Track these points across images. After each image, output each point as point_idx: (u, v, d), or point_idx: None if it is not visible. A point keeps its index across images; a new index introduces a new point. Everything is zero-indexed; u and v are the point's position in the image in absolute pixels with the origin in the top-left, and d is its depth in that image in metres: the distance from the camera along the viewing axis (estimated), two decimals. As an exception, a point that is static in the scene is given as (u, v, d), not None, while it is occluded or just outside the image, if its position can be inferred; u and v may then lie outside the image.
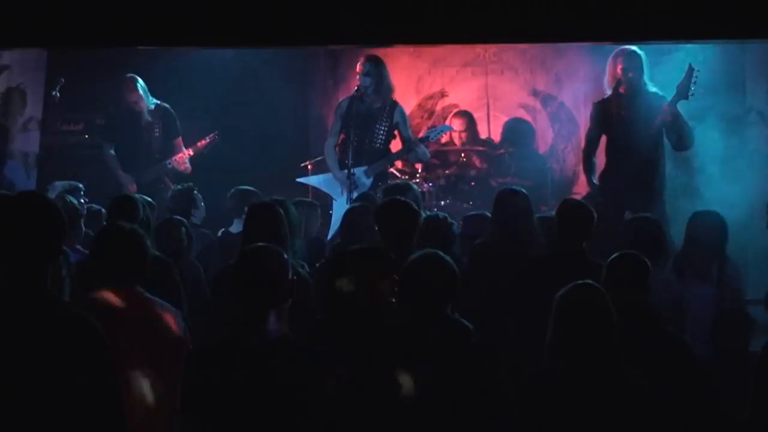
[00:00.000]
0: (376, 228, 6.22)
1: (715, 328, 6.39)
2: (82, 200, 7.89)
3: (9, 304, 3.21)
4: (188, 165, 9.61)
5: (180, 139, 9.72)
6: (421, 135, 9.78)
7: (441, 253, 4.87)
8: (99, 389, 3.19)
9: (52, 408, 3.15)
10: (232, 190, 8.30)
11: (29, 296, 3.23)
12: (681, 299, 6.41)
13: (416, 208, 6.35)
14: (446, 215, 6.77)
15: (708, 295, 6.71)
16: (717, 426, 5.23)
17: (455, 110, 10.89)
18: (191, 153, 9.62)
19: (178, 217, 7.22)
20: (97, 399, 3.18)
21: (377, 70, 9.29)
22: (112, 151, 9.73)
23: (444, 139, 10.84)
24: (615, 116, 8.44)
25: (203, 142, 9.66)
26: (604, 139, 8.76)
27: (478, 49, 10.86)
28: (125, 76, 9.66)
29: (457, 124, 10.71)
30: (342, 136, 9.39)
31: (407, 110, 10.52)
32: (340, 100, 9.72)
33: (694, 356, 5.22)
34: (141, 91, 9.61)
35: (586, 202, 6.81)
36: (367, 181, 9.22)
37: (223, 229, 8.22)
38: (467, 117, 10.75)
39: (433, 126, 10.12)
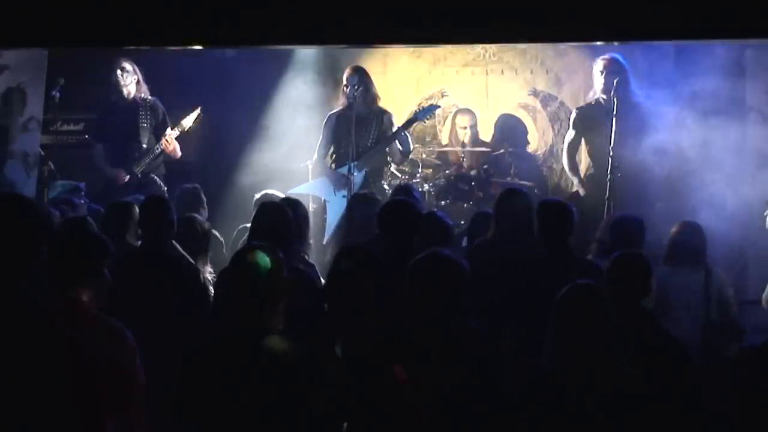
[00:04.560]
0: (379, 227, 6.26)
1: (703, 339, 6.40)
2: (82, 200, 7.89)
3: None
4: (177, 147, 9.61)
5: (168, 129, 9.73)
6: (409, 117, 9.85)
7: (448, 252, 4.87)
8: (65, 390, 3.18)
9: (23, 407, 3.15)
10: (260, 194, 8.35)
11: (5, 299, 3.22)
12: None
13: (419, 208, 6.40)
14: (442, 213, 6.81)
15: (695, 293, 6.74)
16: (712, 424, 5.22)
17: (459, 107, 10.91)
18: (177, 132, 9.61)
19: (196, 215, 7.20)
20: (64, 402, 3.17)
21: (364, 80, 9.46)
22: (100, 146, 9.77)
23: (446, 140, 10.86)
24: (597, 123, 8.71)
25: (187, 119, 9.64)
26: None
27: (478, 49, 10.86)
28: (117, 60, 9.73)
29: (463, 121, 10.74)
30: (332, 148, 9.52)
31: (407, 111, 10.54)
32: (327, 114, 9.79)
33: (691, 356, 5.22)
34: (129, 74, 9.65)
35: (569, 200, 6.91)
36: (359, 175, 9.29)
37: (241, 226, 8.25)
38: (472, 114, 10.78)
39: (421, 107, 10.13)
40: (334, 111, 9.76)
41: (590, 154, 9.53)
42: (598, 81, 9.27)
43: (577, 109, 9.66)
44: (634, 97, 9.10)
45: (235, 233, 8.25)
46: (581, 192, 9.41)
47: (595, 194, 8.96)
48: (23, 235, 3.29)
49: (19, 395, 3.17)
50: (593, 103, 9.36)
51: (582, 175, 9.61)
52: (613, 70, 9.10)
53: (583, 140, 9.51)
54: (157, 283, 5.92)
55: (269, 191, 8.44)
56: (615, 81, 8.87)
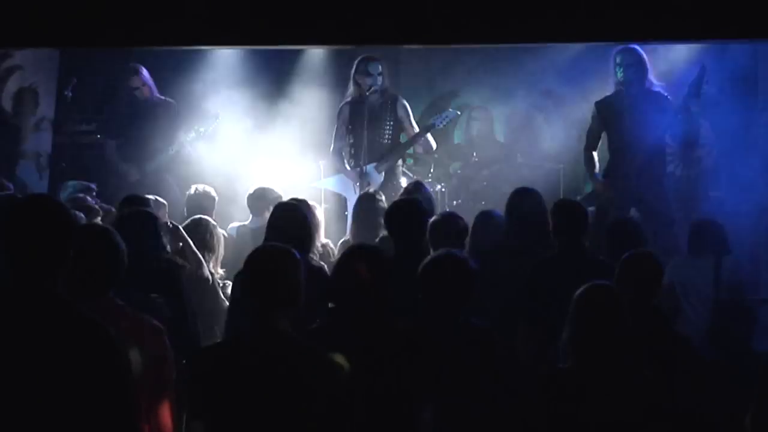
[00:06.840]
0: (387, 226, 6.27)
1: (714, 322, 6.41)
2: (94, 200, 7.90)
3: (20, 307, 3.22)
4: (191, 150, 9.61)
5: (185, 132, 9.75)
6: (426, 124, 9.77)
7: (460, 252, 4.88)
8: (110, 392, 3.20)
9: (62, 411, 3.16)
10: (253, 188, 8.34)
11: (40, 299, 3.24)
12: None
13: (425, 206, 6.39)
14: (455, 213, 6.81)
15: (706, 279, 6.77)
16: (721, 425, 5.21)
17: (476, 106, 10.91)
18: (193, 135, 9.63)
19: (206, 217, 7.21)
20: (107, 402, 3.19)
21: (383, 68, 9.33)
22: (113, 143, 9.78)
23: (459, 139, 10.86)
24: (616, 114, 8.48)
25: (205, 123, 9.67)
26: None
27: (490, 49, 10.84)
28: (128, 65, 9.74)
29: (481, 117, 10.73)
30: (350, 138, 9.43)
31: (419, 110, 10.52)
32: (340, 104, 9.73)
33: (702, 358, 5.22)
34: (143, 79, 9.66)
35: (586, 200, 6.86)
36: (378, 177, 9.25)
37: (238, 224, 8.25)
38: (489, 112, 10.78)
39: (438, 114, 10.07)
40: (347, 100, 9.58)
41: (609, 148, 9.01)
42: (614, 71, 8.75)
43: (596, 102, 9.03)
44: (653, 88, 8.78)
45: (235, 234, 8.23)
46: (598, 189, 8.85)
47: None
48: (54, 238, 3.31)
49: (72, 396, 3.18)
50: (612, 95, 8.80)
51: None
52: (629, 61, 8.65)
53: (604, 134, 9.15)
54: None
55: (265, 186, 8.43)
56: (618, 80, 8.66)
